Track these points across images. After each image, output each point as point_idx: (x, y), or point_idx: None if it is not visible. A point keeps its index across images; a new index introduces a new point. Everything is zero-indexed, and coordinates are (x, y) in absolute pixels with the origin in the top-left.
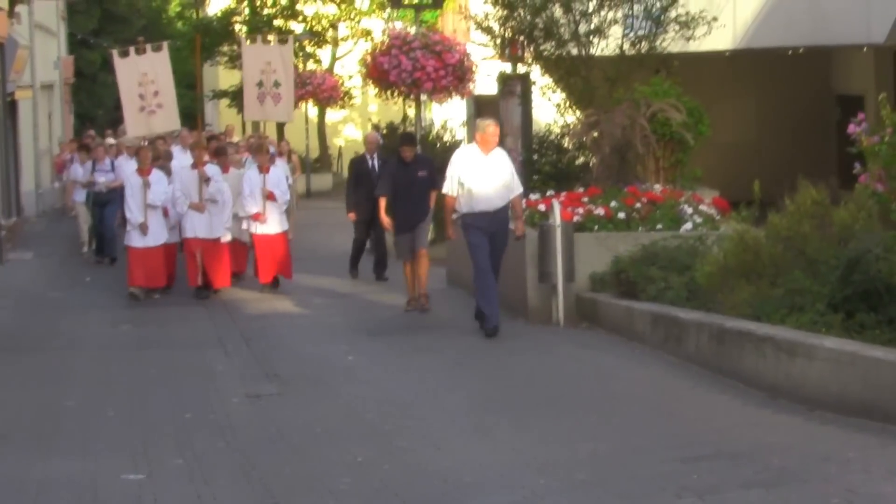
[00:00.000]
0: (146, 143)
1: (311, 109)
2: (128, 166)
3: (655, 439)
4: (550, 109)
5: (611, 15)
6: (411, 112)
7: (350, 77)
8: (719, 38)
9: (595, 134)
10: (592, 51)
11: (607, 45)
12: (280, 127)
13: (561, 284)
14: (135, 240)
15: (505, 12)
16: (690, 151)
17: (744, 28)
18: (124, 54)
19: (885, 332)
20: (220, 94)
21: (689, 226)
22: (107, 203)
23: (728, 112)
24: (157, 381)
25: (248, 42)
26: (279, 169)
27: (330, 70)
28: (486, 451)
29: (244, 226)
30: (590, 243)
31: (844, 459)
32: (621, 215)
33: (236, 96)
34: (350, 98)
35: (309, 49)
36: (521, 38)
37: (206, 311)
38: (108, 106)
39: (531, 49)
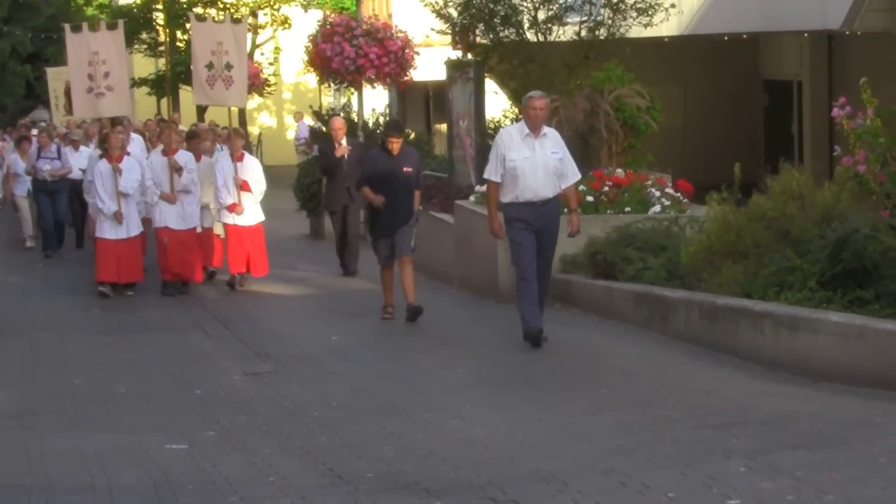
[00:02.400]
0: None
1: None
2: (73, 158)
3: (675, 410)
4: (501, 98)
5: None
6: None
7: (270, 64)
8: (666, 25)
9: (556, 120)
10: (551, 37)
11: (564, 32)
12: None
13: None
14: (107, 231)
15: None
16: (642, 137)
17: (690, 14)
18: (76, 29)
19: (885, 307)
20: (138, 83)
21: (657, 208)
22: (55, 193)
23: (657, 98)
24: (152, 361)
25: (198, 20)
26: (253, 157)
27: (250, 57)
28: (513, 422)
29: (218, 217)
30: (560, 226)
31: (875, 423)
32: (590, 199)
33: (155, 84)
34: (269, 85)
35: None
36: (480, 25)
37: (174, 297)
38: (17, 95)
39: (490, 36)
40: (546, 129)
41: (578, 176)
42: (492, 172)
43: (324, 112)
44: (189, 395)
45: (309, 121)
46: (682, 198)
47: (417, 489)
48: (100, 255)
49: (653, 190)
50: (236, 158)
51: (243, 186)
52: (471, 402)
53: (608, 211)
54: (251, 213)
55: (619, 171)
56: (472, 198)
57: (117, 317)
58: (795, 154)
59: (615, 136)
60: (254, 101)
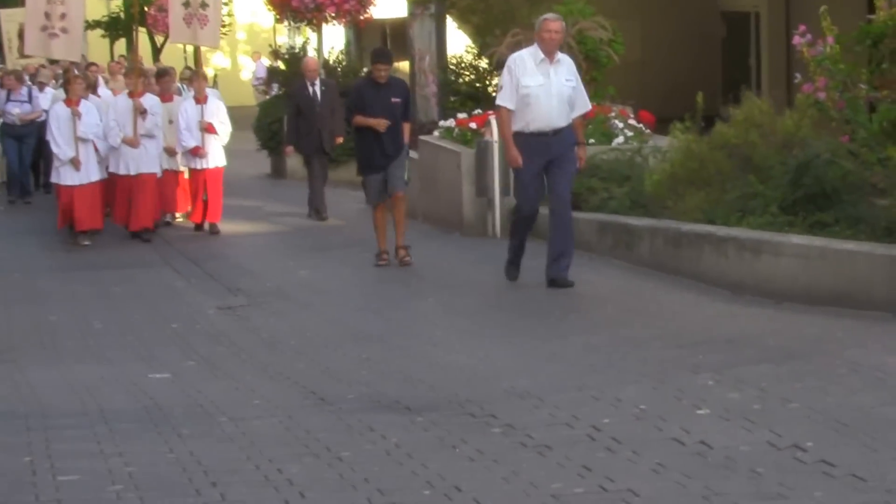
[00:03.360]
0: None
1: None
2: (44, 99)
3: (643, 331)
4: (461, 36)
5: None
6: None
7: (225, 4)
8: None
9: None
10: None
11: None
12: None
13: (498, 198)
14: (65, 177)
15: None
16: (604, 69)
17: None
18: None
19: (845, 229)
20: (92, 26)
21: (620, 139)
22: (23, 138)
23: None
24: (125, 297)
25: None
26: (216, 98)
27: None
28: (486, 347)
29: (181, 161)
30: None
31: (837, 339)
32: None
33: (109, 27)
34: (224, 26)
35: None
36: None
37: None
38: None
39: None
40: (560, 56)
41: (589, 107)
42: (506, 98)
43: (283, 52)
44: (165, 328)
45: (266, 61)
46: (644, 128)
47: (399, 408)
48: (60, 202)
49: (616, 121)
50: (200, 100)
51: (208, 129)
52: (442, 329)
53: None
54: (214, 156)
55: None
56: (436, 133)
57: (85, 256)
58: (753, 85)
59: (578, 69)
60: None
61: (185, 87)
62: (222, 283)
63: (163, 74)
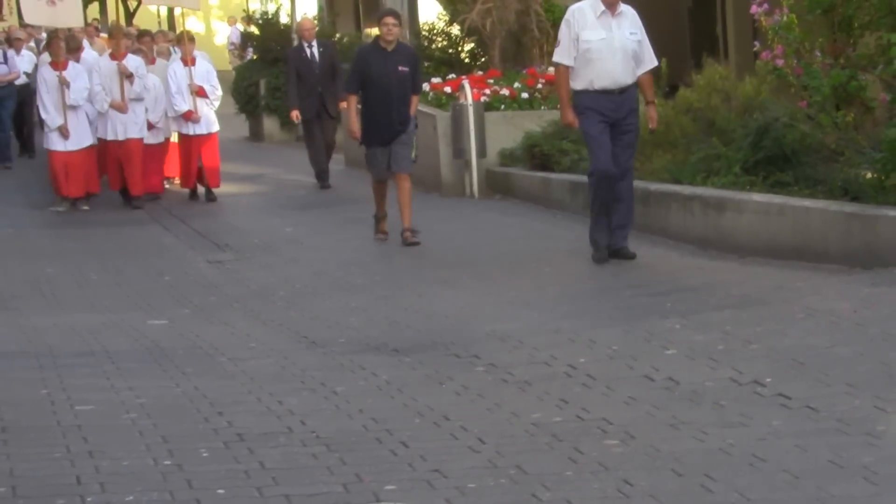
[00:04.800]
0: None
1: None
2: (22, 61)
3: (613, 282)
4: (432, 3)
5: None
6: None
7: None
8: None
9: (490, 20)
10: None
11: None
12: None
13: (474, 160)
14: (56, 142)
15: None
16: None
17: None
18: None
19: (803, 189)
20: None
21: None
22: (1, 100)
23: None
24: (117, 252)
25: None
26: (205, 60)
27: None
28: (466, 296)
29: (172, 126)
30: (498, 121)
31: (795, 287)
32: (525, 95)
33: None
34: None
35: None
36: None
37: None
38: None
39: None
40: (623, 7)
41: (656, 62)
42: (563, 55)
43: (257, 17)
44: (158, 280)
45: (241, 26)
46: None
47: (387, 349)
48: (53, 168)
49: None
50: (188, 62)
51: (199, 92)
52: (424, 281)
53: (542, 107)
54: (207, 121)
55: (551, 69)
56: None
57: (75, 214)
58: (722, 53)
59: (546, 37)
60: (179, 9)
61: (174, 48)
62: (210, 240)
63: (143, 35)
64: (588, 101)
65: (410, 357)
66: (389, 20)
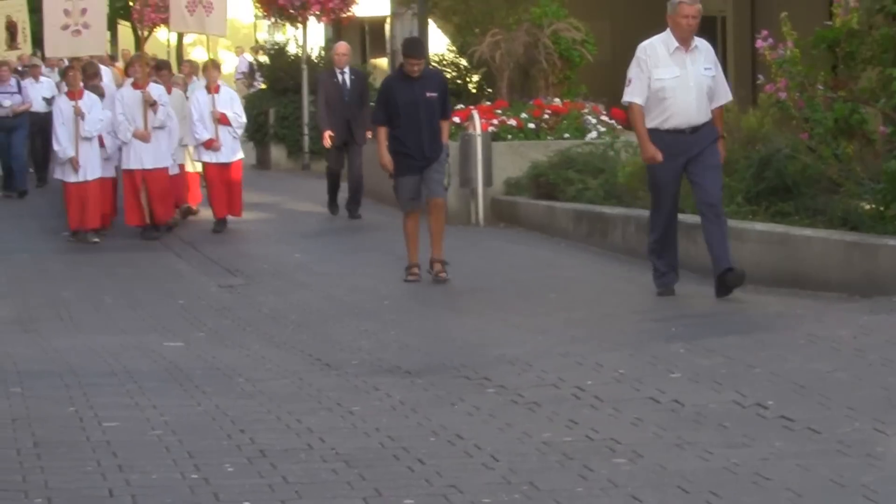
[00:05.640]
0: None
1: (163, 33)
2: (34, 90)
3: (619, 308)
4: (440, 35)
5: None
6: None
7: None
8: None
9: (499, 52)
10: None
11: None
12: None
13: (481, 188)
14: (69, 174)
15: None
16: (577, 69)
17: None
18: None
19: (804, 219)
20: None
21: (593, 134)
22: (13, 129)
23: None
24: (130, 277)
25: None
26: (229, 88)
27: None
28: (474, 321)
29: (194, 154)
30: (505, 151)
31: (797, 315)
32: (531, 126)
33: None
34: None
35: None
36: None
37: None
38: None
39: None
40: (696, 41)
41: (730, 97)
42: (635, 94)
43: (268, 47)
44: (172, 304)
45: (249, 56)
46: (616, 125)
47: (399, 371)
48: (66, 199)
49: (589, 117)
50: (212, 90)
51: (222, 119)
52: (433, 307)
53: (548, 137)
54: (230, 149)
55: (557, 100)
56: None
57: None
58: None
59: (553, 68)
60: (189, 37)
61: (196, 78)
62: (221, 265)
63: (162, 67)
64: (658, 141)
65: (422, 379)
66: (412, 61)
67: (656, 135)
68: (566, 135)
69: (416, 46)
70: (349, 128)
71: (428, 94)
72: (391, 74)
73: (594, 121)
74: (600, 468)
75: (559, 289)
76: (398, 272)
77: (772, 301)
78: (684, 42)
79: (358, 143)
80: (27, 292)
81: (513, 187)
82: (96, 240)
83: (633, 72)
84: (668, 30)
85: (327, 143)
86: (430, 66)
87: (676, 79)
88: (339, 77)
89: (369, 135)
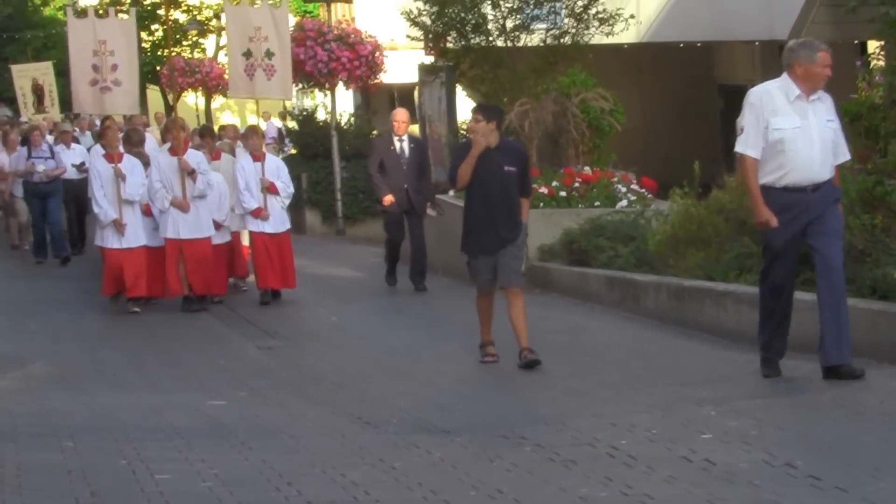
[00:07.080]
0: (100, 122)
1: (192, 97)
2: (66, 156)
3: (650, 372)
4: (467, 102)
5: (535, 11)
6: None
7: None
8: (625, 33)
9: (527, 121)
10: (519, 44)
11: (531, 39)
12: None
13: None
14: (110, 240)
15: (436, 8)
16: (606, 137)
17: (647, 24)
18: (81, 14)
19: None
20: None
21: (623, 203)
22: (48, 195)
23: (619, 101)
24: (170, 337)
25: (232, 2)
26: (275, 156)
27: (214, 58)
28: (509, 382)
29: (240, 223)
30: (537, 218)
31: (823, 380)
32: (563, 194)
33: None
34: None
35: (192, 38)
36: (452, 32)
37: None
38: None
39: (461, 42)
40: (820, 92)
41: (849, 156)
42: (749, 145)
43: (296, 113)
44: (213, 364)
45: (276, 121)
46: (646, 193)
47: (438, 430)
48: (105, 266)
49: (619, 186)
50: (258, 158)
51: (270, 188)
52: (469, 367)
53: (579, 205)
54: (279, 219)
55: (587, 168)
56: (451, 192)
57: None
58: None
59: (582, 137)
60: (217, 101)
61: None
62: (259, 327)
63: (206, 134)
64: (772, 202)
65: (460, 437)
66: (478, 117)
67: (771, 193)
68: (597, 203)
69: (490, 108)
70: (408, 196)
71: (506, 168)
72: (466, 141)
73: (624, 189)
74: None
75: (591, 352)
76: (434, 335)
77: (799, 366)
78: (808, 90)
79: (418, 214)
80: (66, 351)
81: (546, 254)
82: (136, 309)
83: (746, 119)
84: (785, 77)
85: (388, 202)
86: (510, 139)
87: (798, 129)
88: (398, 144)
89: (429, 208)
